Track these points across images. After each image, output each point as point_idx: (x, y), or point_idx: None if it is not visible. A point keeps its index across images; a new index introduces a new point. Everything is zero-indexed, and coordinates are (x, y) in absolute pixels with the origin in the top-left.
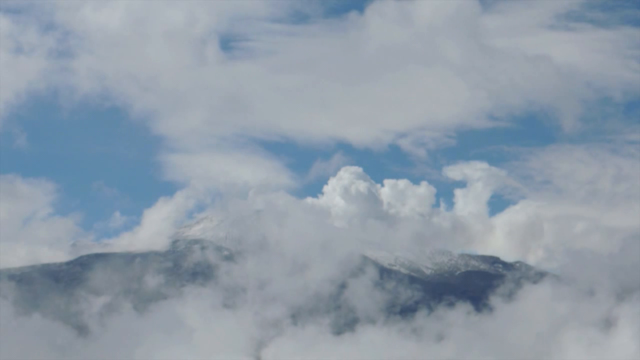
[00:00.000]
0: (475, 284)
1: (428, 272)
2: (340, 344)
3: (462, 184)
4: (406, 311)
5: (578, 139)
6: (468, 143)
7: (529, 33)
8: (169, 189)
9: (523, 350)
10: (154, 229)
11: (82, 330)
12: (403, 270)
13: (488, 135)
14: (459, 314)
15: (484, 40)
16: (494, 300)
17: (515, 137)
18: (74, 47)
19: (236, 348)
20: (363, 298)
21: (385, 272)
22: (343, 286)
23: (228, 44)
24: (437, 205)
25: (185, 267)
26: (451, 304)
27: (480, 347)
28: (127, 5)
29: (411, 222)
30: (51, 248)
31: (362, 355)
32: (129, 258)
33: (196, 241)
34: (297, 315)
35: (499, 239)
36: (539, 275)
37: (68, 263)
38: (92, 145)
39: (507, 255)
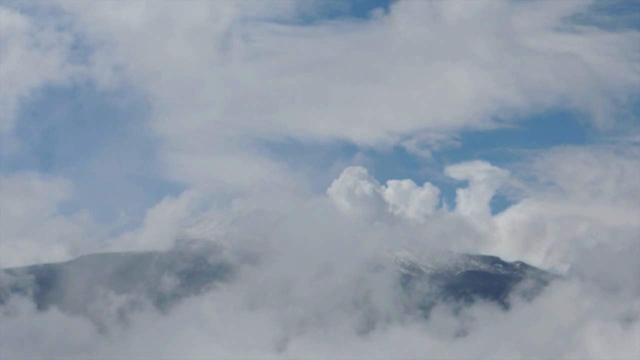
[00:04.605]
0: (476, 284)
1: (428, 272)
2: (362, 343)
3: (464, 184)
4: (425, 309)
5: (582, 141)
6: (473, 144)
7: (536, 35)
8: (173, 189)
9: (542, 346)
10: (158, 228)
11: (102, 327)
12: (403, 270)
13: (492, 136)
14: (480, 312)
15: (506, 39)
16: (513, 298)
17: (519, 138)
18: (90, 45)
19: (259, 347)
20: (378, 297)
21: (388, 272)
22: (355, 286)
23: (234, 44)
24: (440, 205)
25: (195, 266)
26: (471, 302)
27: (502, 343)
28: (133, 4)
29: (415, 222)
30: (61, 246)
31: (387, 355)
32: (136, 257)
33: (203, 241)
34: (318, 315)
35: (501, 239)
36: (546, 275)
37: (73, 262)
38: (101, 144)
39: (509, 255)
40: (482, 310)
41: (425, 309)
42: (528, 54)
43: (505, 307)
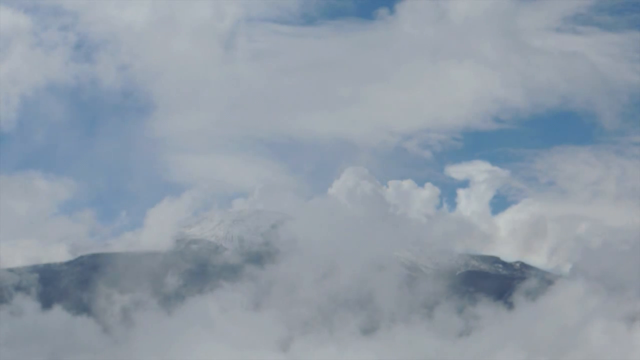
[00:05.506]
0: (477, 284)
1: (428, 272)
2: (366, 343)
3: (465, 184)
4: (429, 309)
5: (583, 141)
6: (473, 145)
7: (540, 35)
8: (174, 189)
9: (546, 345)
10: (159, 228)
11: (106, 327)
12: (403, 270)
13: (493, 137)
14: (484, 311)
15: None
16: (517, 297)
17: (520, 138)
18: (94, 44)
19: (263, 347)
20: (382, 297)
21: (392, 272)
22: (359, 286)
23: (234, 44)
24: (441, 205)
25: (198, 266)
26: (475, 301)
27: (507, 342)
28: (137, 4)
29: (416, 223)
30: (63, 246)
31: (391, 354)
32: (137, 257)
33: (203, 241)
34: (322, 315)
35: (502, 239)
36: (547, 275)
37: (74, 261)
38: (103, 144)
39: (509, 255)
40: (486, 310)
41: (429, 309)
42: (533, 53)
43: (510, 306)
